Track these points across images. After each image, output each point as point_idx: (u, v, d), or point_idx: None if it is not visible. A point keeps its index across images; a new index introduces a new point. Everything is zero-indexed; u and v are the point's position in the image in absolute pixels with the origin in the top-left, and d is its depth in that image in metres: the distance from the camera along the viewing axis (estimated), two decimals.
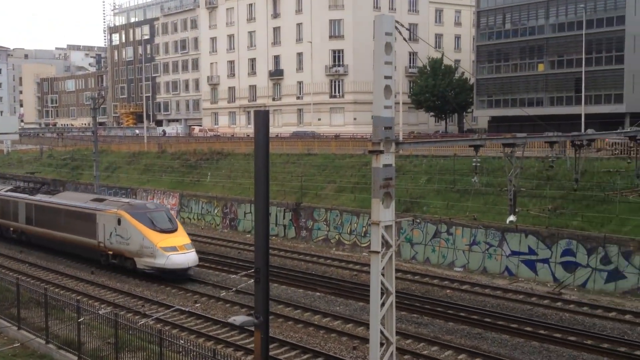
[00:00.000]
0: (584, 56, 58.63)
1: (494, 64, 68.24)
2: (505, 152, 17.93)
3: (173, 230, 32.67)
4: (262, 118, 14.31)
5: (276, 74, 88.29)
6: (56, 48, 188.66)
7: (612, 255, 29.02)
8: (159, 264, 31.42)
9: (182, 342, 18.65)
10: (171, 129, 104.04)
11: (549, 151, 24.59)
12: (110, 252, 33.77)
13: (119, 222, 32.79)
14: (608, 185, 31.55)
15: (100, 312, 20.72)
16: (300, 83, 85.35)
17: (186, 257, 31.56)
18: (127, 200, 37.91)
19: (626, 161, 27.63)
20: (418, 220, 35.02)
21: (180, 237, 32.48)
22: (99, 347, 19.78)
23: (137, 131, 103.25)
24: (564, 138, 20.48)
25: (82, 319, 20.05)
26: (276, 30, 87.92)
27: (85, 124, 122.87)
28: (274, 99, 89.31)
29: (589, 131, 22.43)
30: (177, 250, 31.50)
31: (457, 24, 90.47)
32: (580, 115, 55.67)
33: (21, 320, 22.95)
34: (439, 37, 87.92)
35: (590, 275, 29.50)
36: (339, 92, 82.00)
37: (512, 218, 21.03)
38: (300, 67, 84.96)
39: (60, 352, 20.66)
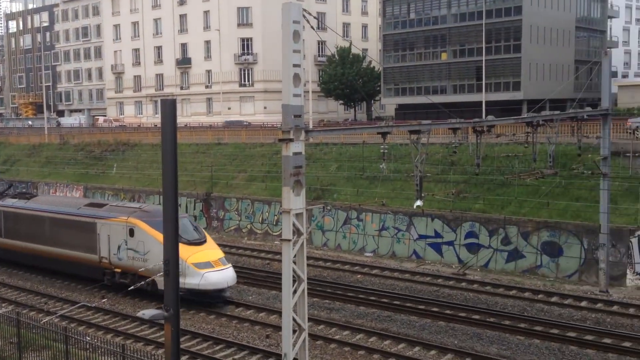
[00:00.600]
0: (484, 45, 60.83)
1: (400, 52, 69.69)
2: (411, 139, 18.39)
3: (202, 241, 26.97)
4: (169, 107, 14.01)
5: (184, 62, 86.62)
6: None
7: (512, 236, 30.49)
8: (191, 285, 25.30)
9: (89, 338, 18.16)
10: (73, 120, 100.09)
11: (453, 137, 25.41)
12: (118, 270, 27.80)
13: (132, 232, 26.97)
14: (507, 169, 33.08)
15: (0, 311, 19.81)
16: (208, 72, 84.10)
17: (224, 275, 26.02)
18: (136, 205, 31.48)
19: (524, 146, 29.02)
20: (329, 208, 35.47)
21: (213, 250, 26.97)
22: (1, 348, 18.95)
23: (29, 122, 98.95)
24: (466, 124, 21.22)
25: None
26: (183, 17, 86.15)
27: None
28: (182, 88, 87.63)
29: (489, 117, 23.34)
30: (212, 266, 25.96)
31: (364, 13, 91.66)
32: (481, 102, 57.85)
33: None
34: (346, 26, 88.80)
35: (492, 255, 30.90)
36: (248, 81, 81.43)
37: (419, 203, 21.59)
38: (208, 56, 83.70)
39: None
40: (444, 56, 66.40)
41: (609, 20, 76.55)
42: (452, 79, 65.79)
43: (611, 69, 27.59)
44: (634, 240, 27.80)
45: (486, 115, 39.09)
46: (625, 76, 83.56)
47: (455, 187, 33.92)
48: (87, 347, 17.30)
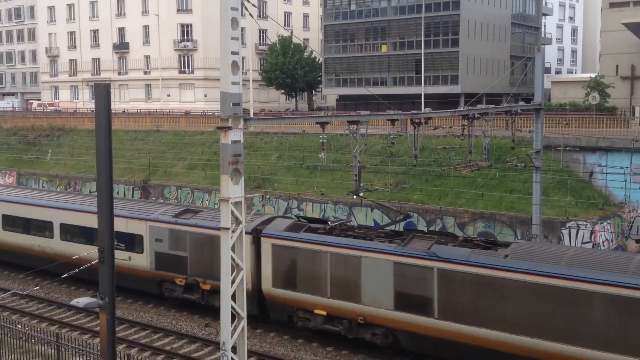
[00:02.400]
0: (423, 39, 61.82)
1: (341, 43, 70.04)
2: (350, 129, 18.64)
3: None
4: (103, 91, 13.79)
5: (121, 47, 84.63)
6: None
7: (449, 227, 31.27)
8: None
9: (20, 327, 17.77)
10: (6, 103, 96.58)
11: (391, 129, 25.84)
12: None
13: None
14: (444, 161, 33.84)
15: None
16: (147, 57, 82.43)
17: None
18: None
19: (460, 138, 29.72)
20: (268, 197, 35.54)
21: None
22: None
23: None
24: (404, 116, 21.58)
25: None
26: (120, 1, 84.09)
27: None
28: (119, 73, 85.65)
29: (426, 110, 23.81)
30: None
31: (306, 3, 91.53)
32: (420, 95, 58.80)
33: None
34: (288, 15, 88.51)
35: None
36: (188, 68, 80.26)
37: (360, 193, 21.91)
38: (147, 41, 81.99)
39: None
40: (384, 48, 67.08)
41: (543, 17, 78.85)
42: (392, 71, 66.58)
43: (544, 65, 28.55)
44: (565, 232, 28.95)
45: (424, 108, 39.83)
46: (558, 72, 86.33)
47: (393, 178, 34.49)
48: (20, 336, 16.94)
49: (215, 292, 21.15)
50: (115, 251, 21.15)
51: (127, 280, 24.05)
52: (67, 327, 22.63)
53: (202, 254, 23.07)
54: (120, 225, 22.78)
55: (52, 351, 15.53)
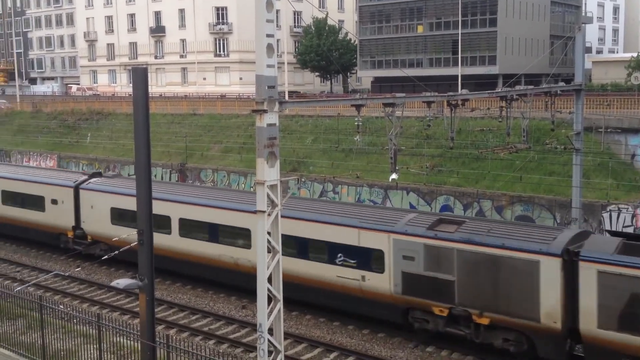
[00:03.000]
0: (460, 19, 60.85)
1: (376, 25, 69.40)
2: (386, 112, 18.48)
3: None
4: (140, 75, 13.91)
5: (157, 30, 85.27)
6: None
7: (486, 210, 30.90)
8: None
9: (63, 307, 18.17)
10: (46, 88, 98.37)
11: (427, 111, 25.55)
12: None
13: None
14: (481, 144, 33.39)
15: None
16: (183, 41, 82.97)
17: None
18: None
19: (497, 120, 29.25)
20: (303, 180, 35.59)
21: None
22: None
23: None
24: (440, 98, 21.32)
25: None
26: None
27: None
28: (156, 57, 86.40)
29: (463, 91, 23.49)
30: None
31: None
32: (457, 76, 58.03)
33: None
34: None
35: None
36: (224, 51, 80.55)
37: (393, 176, 21.75)
38: (183, 24, 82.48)
39: None
40: (420, 29, 66.27)
41: None
42: (428, 52, 65.78)
43: (585, 44, 27.86)
44: (606, 215, 28.38)
45: (461, 89, 39.30)
46: (599, 52, 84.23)
47: (429, 161, 34.20)
48: (63, 316, 17.33)
49: (496, 327, 18.21)
50: (343, 269, 20.52)
51: (356, 304, 20.88)
52: (108, 307, 23.10)
53: (478, 279, 18.48)
54: (349, 237, 20.49)
55: (94, 331, 15.86)
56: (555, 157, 31.06)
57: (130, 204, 25.11)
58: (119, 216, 26.70)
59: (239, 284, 23.69)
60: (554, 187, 30.14)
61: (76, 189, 28.48)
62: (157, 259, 24.26)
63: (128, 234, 21.34)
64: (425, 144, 35.63)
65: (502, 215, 30.48)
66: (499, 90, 26.39)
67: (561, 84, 28.69)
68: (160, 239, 24.30)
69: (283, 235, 20.51)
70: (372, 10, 69.44)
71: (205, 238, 24.15)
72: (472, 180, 32.56)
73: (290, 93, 56.75)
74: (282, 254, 20.34)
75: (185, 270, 25.43)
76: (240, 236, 23.20)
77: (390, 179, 22.32)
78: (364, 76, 74.63)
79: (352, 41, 75.07)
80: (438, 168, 33.89)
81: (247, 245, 22.80)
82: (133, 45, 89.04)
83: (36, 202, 30.05)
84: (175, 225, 24.98)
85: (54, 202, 29.24)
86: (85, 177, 29.52)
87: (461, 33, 60.22)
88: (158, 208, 24.28)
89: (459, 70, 58.63)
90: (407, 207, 32.37)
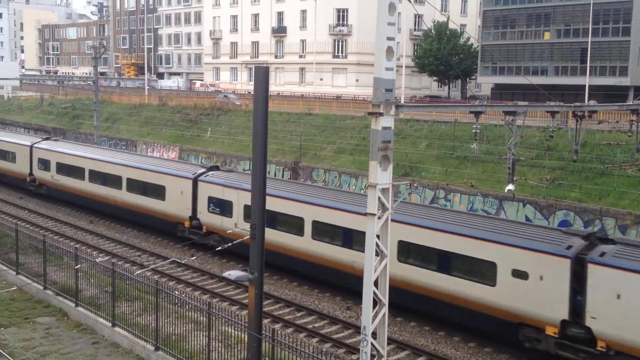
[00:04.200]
0: (590, 26, 57.99)
1: (500, 30, 67.53)
2: (506, 120, 17.92)
3: None
4: (262, 74, 14.24)
5: (279, 31, 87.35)
6: None
7: (609, 229, 29.20)
8: None
9: (177, 293, 18.93)
10: (172, 82, 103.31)
11: (550, 121, 24.52)
12: None
13: None
14: (608, 158, 31.61)
15: (97, 261, 20.94)
16: (303, 41, 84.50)
17: None
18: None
19: (627, 134, 27.60)
20: (415, 185, 35.15)
21: None
22: (96, 295, 20.08)
23: (137, 83, 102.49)
24: (566, 108, 20.42)
25: (79, 267, 20.29)
26: None
27: (86, 73, 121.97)
28: (276, 57, 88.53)
29: (591, 102, 22.38)
30: None
31: None
32: (584, 86, 55.33)
33: (19, 266, 23.23)
34: (445, 0, 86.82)
35: None
36: (342, 53, 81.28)
37: (510, 187, 21.10)
38: (303, 25, 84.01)
39: (58, 298, 20.97)
40: (547, 36, 63.81)
41: None
42: (555, 60, 63.22)
43: None
44: None
45: (588, 100, 37.43)
46: None
47: (550, 174, 32.77)
48: (176, 301, 18.06)
49: None
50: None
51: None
52: (218, 297, 23.83)
53: None
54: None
55: (204, 319, 16.41)
56: None
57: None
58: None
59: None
60: None
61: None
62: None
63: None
64: (546, 156, 34.20)
65: (626, 235, 28.70)
66: (630, 102, 24.87)
67: None
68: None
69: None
70: (497, 15, 67.63)
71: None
72: (594, 197, 30.86)
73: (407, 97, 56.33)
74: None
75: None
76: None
77: (506, 190, 21.64)
78: (484, 82, 72.85)
79: (474, 46, 73.46)
80: (559, 181, 32.41)
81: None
82: (255, 45, 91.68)
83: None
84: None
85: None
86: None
87: (591, 41, 57.35)
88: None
89: (586, 80, 55.86)
90: (522, 220, 31.22)
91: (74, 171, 37.45)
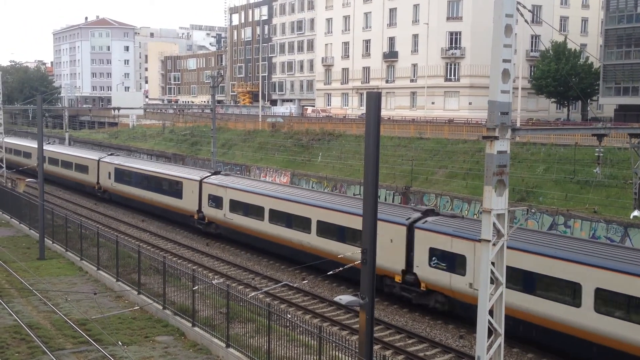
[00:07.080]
0: None
1: (624, 49, 64.21)
2: (631, 143, 16.91)
3: None
4: (374, 100, 14.29)
5: (390, 55, 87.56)
6: (180, 27, 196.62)
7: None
8: None
9: (289, 316, 19.12)
10: (285, 109, 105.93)
11: None
12: None
13: None
14: None
15: (214, 283, 21.54)
16: (414, 65, 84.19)
17: None
18: None
19: None
20: (533, 211, 33.84)
21: None
22: (212, 316, 20.66)
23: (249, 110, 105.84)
24: None
25: (196, 288, 20.97)
26: (392, 11, 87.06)
27: (204, 102, 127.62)
28: (387, 82, 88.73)
29: None
30: None
31: (585, 6, 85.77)
32: None
33: (141, 286, 24.33)
34: (564, 19, 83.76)
35: None
36: (454, 76, 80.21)
37: (636, 213, 19.82)
38: (415, 49, 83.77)
39: (176, 318, 21.76)
40: None
41: None
42: None
43: None
44: None
45: None
46: None
47: None
48: (288, 324, 18.24)
49: None
50: None
51: None
52: (328, 321, 23.87)
53: None
54: None
55: (314, 342, 16.44)
56: None
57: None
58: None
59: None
60: None
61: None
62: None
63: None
64: None
65: None
66: None
67: None
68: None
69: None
70: (620, 34, 64.44)
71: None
72: None
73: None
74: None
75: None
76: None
77: (632, 216, 20.34)
78: (606, 103, 69.40)
79: (595, 66, 70.30)
80: None
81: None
82: (366, 70, 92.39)
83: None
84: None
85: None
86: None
87: None
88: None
89: None
90: None
91: (252, 210, 33.75)
